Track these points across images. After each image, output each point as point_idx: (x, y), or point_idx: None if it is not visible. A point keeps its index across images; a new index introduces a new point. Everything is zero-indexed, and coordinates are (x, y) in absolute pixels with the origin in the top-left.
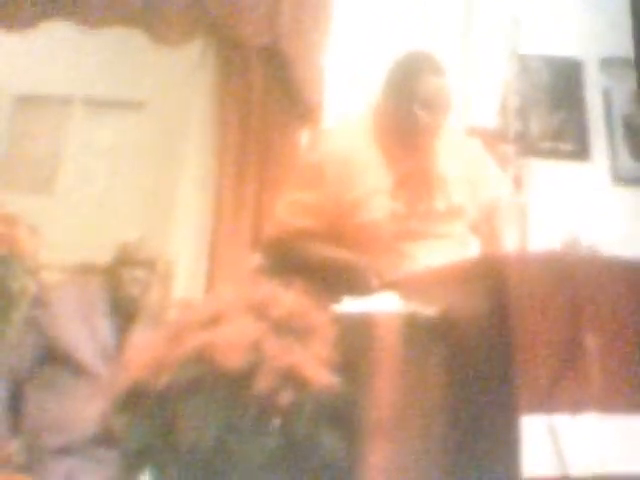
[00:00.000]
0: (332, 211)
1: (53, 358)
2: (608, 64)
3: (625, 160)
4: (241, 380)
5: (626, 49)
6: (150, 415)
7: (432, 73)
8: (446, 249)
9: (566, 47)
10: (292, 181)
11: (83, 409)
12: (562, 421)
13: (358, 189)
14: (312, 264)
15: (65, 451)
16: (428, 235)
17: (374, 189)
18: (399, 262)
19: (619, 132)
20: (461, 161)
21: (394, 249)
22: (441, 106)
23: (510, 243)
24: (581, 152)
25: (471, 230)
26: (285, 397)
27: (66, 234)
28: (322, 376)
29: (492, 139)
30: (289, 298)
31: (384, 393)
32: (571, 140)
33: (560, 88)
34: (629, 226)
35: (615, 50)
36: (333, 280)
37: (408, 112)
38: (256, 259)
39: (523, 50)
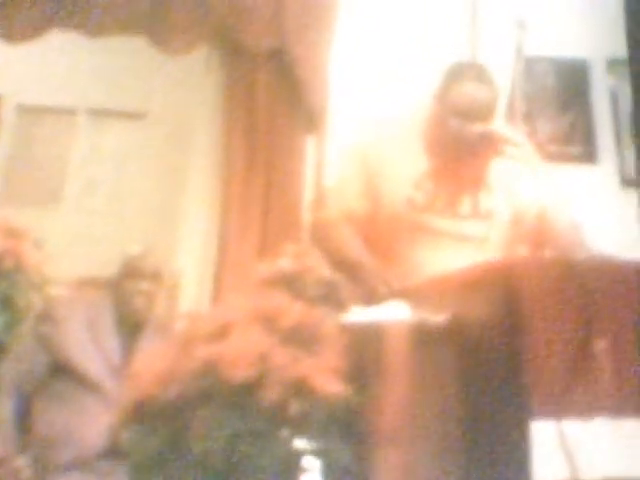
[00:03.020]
0: (367, 194)
1: (60, 372)
2: (614, 65)
3: (633, 162)
4: (250, 391)
5: None
6: (160, 426)
7: (469, 82)
8: (463, 251)
9: (572, 49)
10: (340, 165)
11: (91, 423)
12: (573, 426)
13: (387, 173)
14: (338, 259)
15: (74, 465)
16: (444, 234)
17: (399, 175)
18: (412, 256)
19: (626, 134)
20: (508, 166)
21: (409, 240)
22: (475, 114)
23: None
24: (589, 155)
25: (510, 235)
26: (294, 407)
27: (71, 247)
28: (331, 385)
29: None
30: (297, 309)
31: (394, 401)
32: (579, 143)
33: (567, 90)
34: (638, 228)
35: (621, 51)
36: (349, 280)
37: (442, 120)
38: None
39: (529, 53)
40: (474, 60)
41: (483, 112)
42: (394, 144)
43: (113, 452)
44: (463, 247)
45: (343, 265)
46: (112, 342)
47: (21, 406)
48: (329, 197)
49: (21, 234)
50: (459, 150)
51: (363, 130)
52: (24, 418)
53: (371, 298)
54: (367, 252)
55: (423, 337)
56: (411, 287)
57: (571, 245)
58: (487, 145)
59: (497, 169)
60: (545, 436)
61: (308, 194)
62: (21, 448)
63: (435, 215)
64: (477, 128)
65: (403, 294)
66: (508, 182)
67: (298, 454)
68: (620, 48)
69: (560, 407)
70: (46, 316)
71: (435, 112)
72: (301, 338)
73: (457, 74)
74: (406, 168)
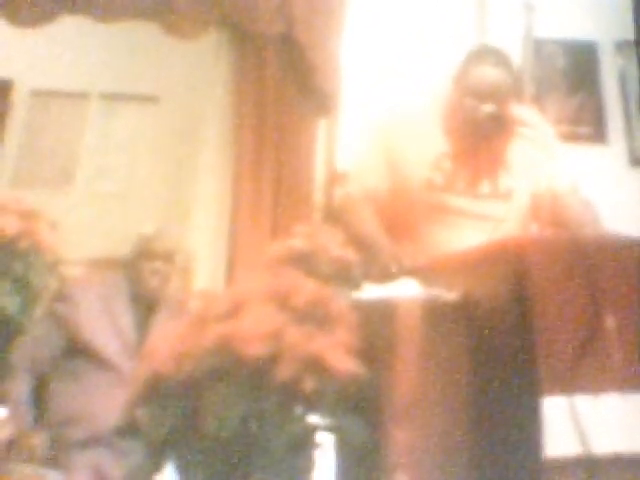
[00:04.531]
0: (388, 174)
1: (76, 351)
2: (623, 46)
3: None
4: (264, 369)
5: None
6: (173, 405)
7: (486, 66)
8: (481, 231)
9: (581, 30)
10: (360, 145)
11: (106, 401)
12: (583, 402)
13: (407, 154)
14: (353, 235)
15: (89, 443)
16: (463, 213)
17: (419, 156)
18: (431, 235)
19: (635, 114)
20: (525, 148)
21: (428, 220)
22: (488, 95)
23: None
24: (598, 135)
25: (527, 216)
26: (308, 385)
27: (85, 228)
28: (345, 363)
29: None
30: (310, 287)
31: (406, 378)
32: (588, 123)
33: (576, 72)
34: None
35: (630, 33)
36: (362, 257)
37: (457, 101)
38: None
39: (538, 35)
40: (493, 45)
41: (497, 94)
42: (414, 125)
43: (128, 429)
44: (481, 227)
45: (357, 241)
46: (127, 321)
47: (37, 385)
48: (350, 175)
49: (36, 215)
50: (475, 131)
51: (383, 112)
52: (40, 397)
53: (383, 276)
54: (383, 231)
55: (434, 314)
56: (422, 265)
57: (585, 225)
58: (500, 126)
59: (517, 151)
60: (556, 412)
61: (319, 175)
62: (37, 426)
63: (454, 195)
64: (488, 107)
65: (414, 272)
66: (527, 163)
67: (312, 431)
68: (629, 30)
69: (570, 383)
70: (62, 296)
71: (452, 94)
72: (314, 316)
73: (476, 58)
74: (425, 149)
